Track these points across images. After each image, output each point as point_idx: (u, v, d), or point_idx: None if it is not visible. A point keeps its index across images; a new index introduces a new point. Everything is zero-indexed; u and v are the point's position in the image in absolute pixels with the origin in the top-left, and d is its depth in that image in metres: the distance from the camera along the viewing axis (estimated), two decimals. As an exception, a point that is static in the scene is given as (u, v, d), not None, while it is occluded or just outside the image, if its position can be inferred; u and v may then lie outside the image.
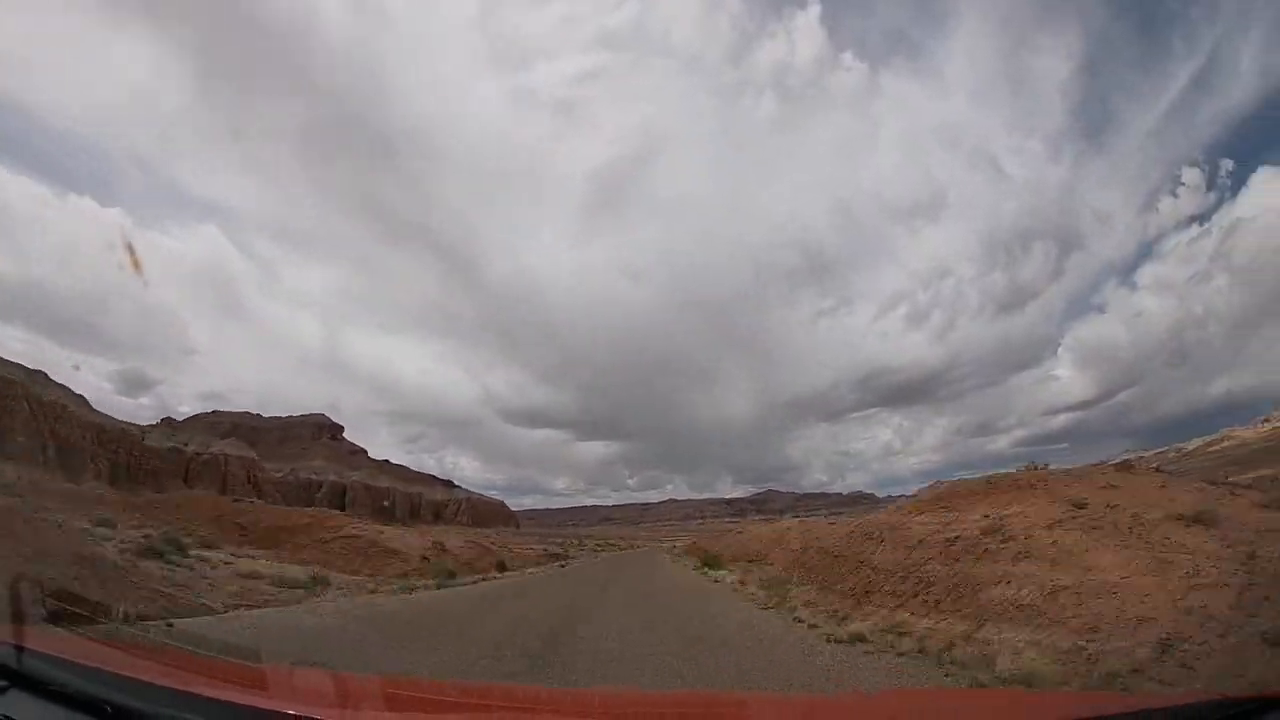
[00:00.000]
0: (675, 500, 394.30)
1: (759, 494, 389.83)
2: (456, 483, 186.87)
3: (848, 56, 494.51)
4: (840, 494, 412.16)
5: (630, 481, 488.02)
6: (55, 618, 3.55)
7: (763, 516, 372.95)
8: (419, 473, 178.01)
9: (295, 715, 1.94)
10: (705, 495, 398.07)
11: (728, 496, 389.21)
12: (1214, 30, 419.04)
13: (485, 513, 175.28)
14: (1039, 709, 2.80)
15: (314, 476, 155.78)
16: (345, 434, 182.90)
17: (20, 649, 2.00)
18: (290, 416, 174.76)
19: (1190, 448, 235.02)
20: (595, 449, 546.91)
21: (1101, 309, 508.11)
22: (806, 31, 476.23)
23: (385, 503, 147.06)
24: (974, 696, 4.17)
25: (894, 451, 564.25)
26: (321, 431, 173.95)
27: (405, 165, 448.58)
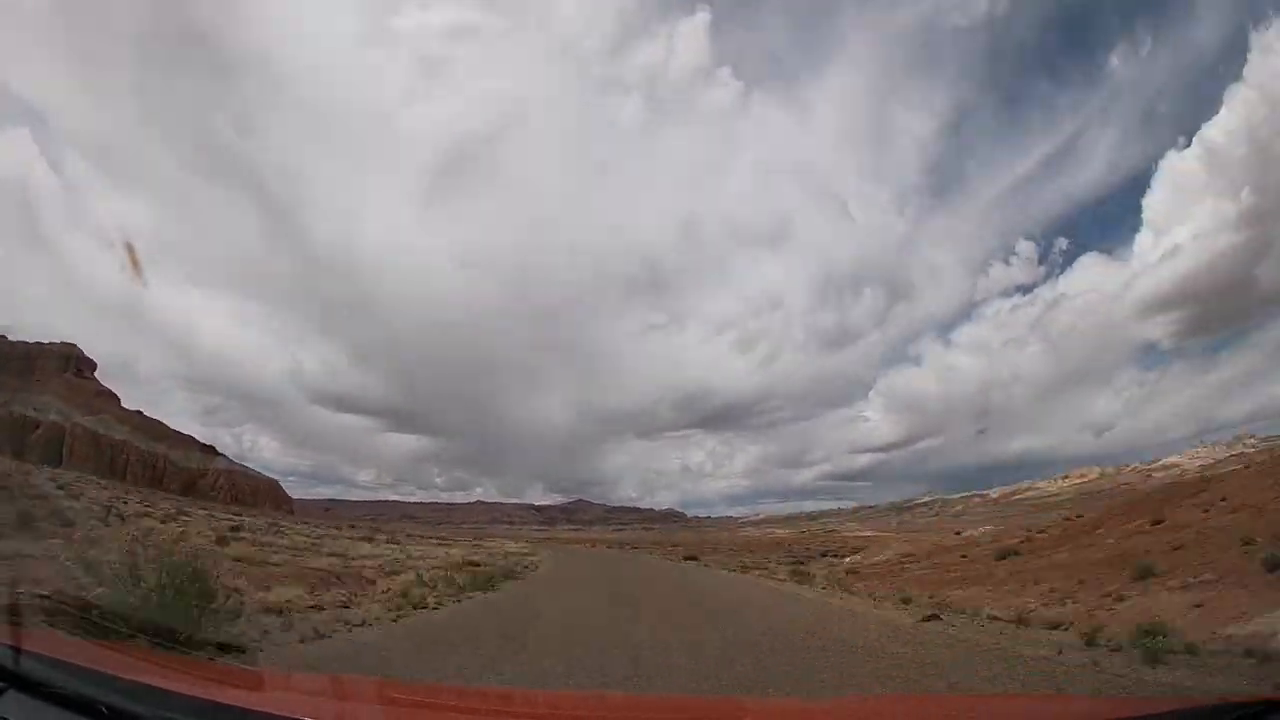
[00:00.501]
0: (484, 503, 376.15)
1: (570, 503, 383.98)
2: (221, 451, 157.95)
3: (724, 72, 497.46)
4: (653, 509, 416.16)
5: (438, 480, 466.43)
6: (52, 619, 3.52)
7: (573, 526, 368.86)
8: (178, 432, 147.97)
9: (291, 717, 1.98)
10: (514, 500, 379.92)
11: (538, 503, 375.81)
12: (1075, 118, 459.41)
13: (250, 490, 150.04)
14: (1038, 712, 2.89)
15: (31, 414, 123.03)
16: (104, 379, 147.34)
17: (17, 650, 2.01)
18: (35, 343, 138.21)
19: (994, 494, 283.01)
20: (406, 442, 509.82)
21: (917, 361, 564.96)
22: (690, 37, 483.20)
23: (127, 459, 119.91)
24: (973, 700, 4.30)
25: (705, 474, 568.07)
26: (67, 364, 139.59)
27: (241, 90, 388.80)
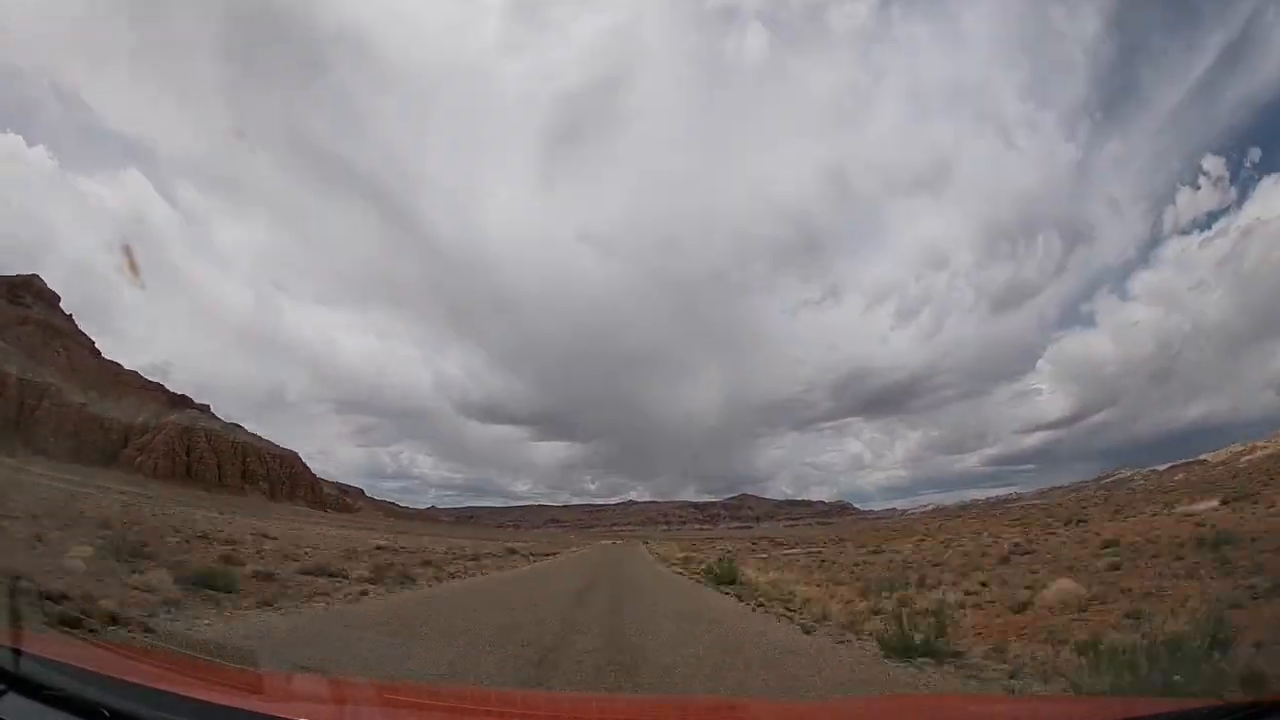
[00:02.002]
0: (635, 503, 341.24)
1: (733, 499, 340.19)
2: (204, 407, 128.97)
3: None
4: (823, 502, 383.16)
5: (591, 486, 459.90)
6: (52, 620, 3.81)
7: (738, 524, 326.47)
8: (147, 381, 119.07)
9: (290, 719, 2.03)
10: (670, 499, 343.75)
11: (697, 500, 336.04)
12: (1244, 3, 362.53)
13: (244, 461, 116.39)
14: (1039, 713, 2.97)
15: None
16: (68, 311, 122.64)
17: (17, 652, 2.06)
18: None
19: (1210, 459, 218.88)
20: (555, 450, 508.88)
21: (1090, 320, 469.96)
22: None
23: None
24: (972, 701, 4.44)
25: (862, 465, 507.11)
26: (14, 291, 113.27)
27: (335, 83, 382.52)
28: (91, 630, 4.85)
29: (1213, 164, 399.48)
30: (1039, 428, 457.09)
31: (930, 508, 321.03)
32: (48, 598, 4.85)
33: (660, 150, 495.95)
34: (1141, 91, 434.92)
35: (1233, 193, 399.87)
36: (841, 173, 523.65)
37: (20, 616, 2.56)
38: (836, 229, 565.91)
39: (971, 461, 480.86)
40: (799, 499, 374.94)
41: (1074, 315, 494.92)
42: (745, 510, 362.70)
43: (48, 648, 2.33)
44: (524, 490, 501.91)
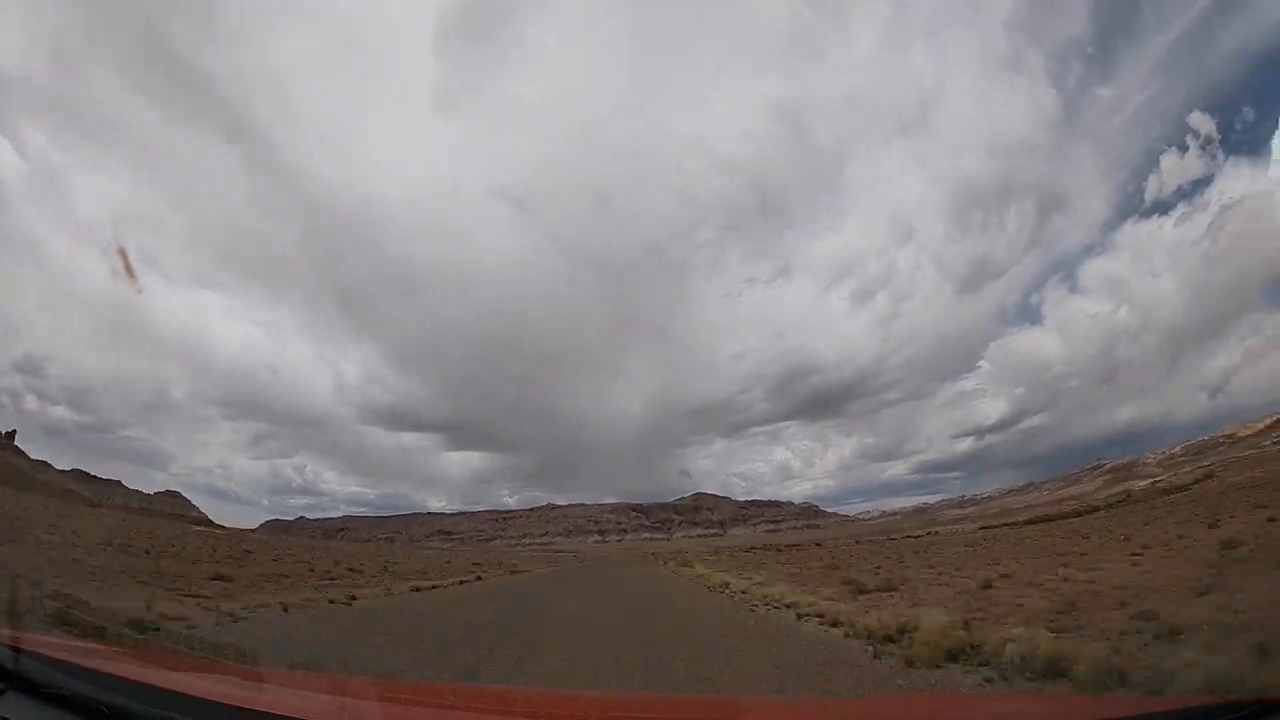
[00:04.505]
0: (556, 506, 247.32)
1: (685, 500, 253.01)
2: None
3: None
4: (793, 503, 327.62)
5: (510, 500, 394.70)
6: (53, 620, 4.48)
7: (702, 530, 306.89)
8: None
9: (291, 717, 2.13)
10: (606, 501, 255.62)
11: (640, 503, 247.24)
12: None
13: None
14: (1039, 712, 3.04)
15: None
16: None
17: (18, 651, 2.15)
18: None
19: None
20: (468, 461, 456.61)
21: (1035, 317, 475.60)
22: None
23: None
24: (974, 702, 4.66)
25: (790, 475, 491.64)
26: None
27: None
28: (91, 629, 5.17)
29: (1203, 123, 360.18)
30: (973, 433, 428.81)
31: (881, 513, 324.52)
32: (46, 597, 5.26)
33: (586, 84, 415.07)
34: (1137, 28, 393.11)
35: (1220, 158, 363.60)
36: (800, 115, 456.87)
37: (20, 615, 2.65)
38: (793, 188, 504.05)
39: (900, 469, 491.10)
40: (767, 499, 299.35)
41: (1024, 307, 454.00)
42: (705, 513, 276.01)
43: (48, 646, 2.38)
44: (439, 507, 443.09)
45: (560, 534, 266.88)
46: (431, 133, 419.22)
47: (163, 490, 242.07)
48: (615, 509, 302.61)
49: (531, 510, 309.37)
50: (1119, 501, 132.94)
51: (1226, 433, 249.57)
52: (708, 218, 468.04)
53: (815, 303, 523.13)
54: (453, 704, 3.13)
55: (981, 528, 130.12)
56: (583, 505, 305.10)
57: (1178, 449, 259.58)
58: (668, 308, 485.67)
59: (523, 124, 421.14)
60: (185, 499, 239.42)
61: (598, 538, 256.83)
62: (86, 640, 3.44)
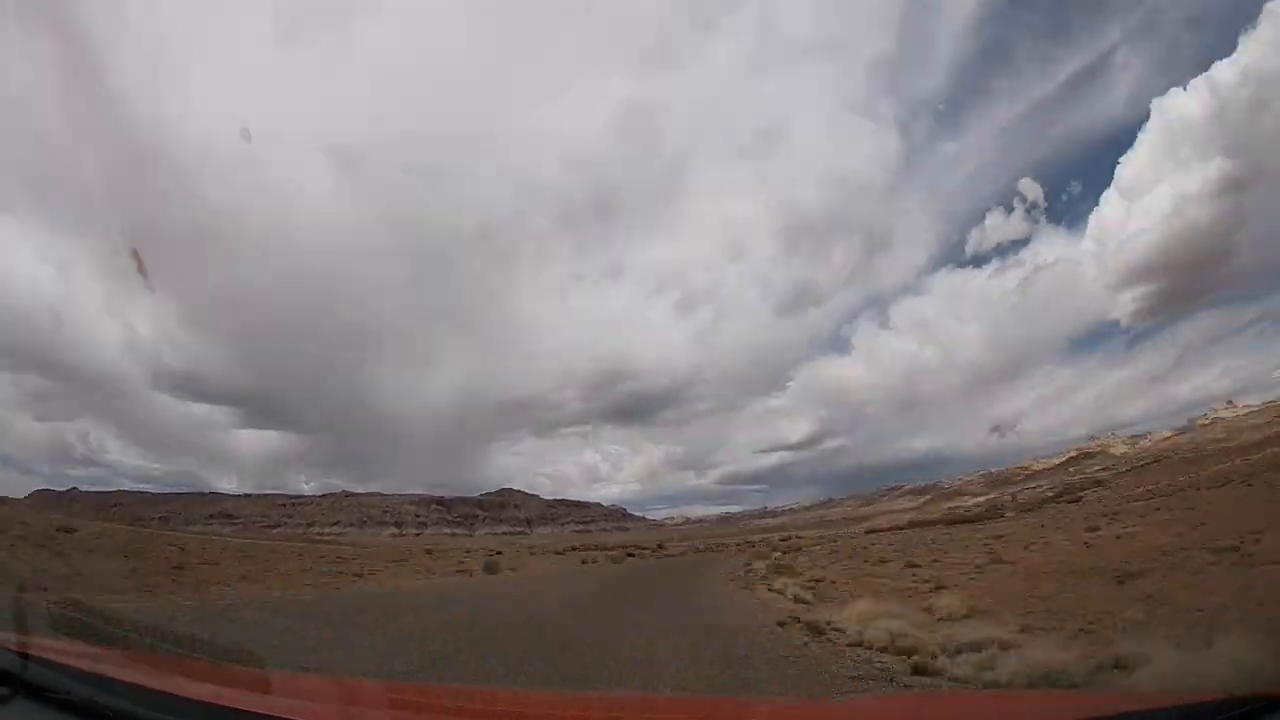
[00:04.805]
0: (353, 494, 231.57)
1: (492, 495, 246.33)
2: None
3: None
4: (601, 505, 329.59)
5: (307, 487, 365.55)
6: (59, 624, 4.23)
7: (508, 527, 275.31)
8: None
9: None
10: (406, 492, 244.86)
11: (443, 496, 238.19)
12: (1110, 30, 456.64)
13: None
14: (1040, 709, 3.09)
15: None
16: None
17: (25, 656, 2.16)
18: None
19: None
20: (265, 441, 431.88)
21: (844, 346, 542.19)
22: None
23: None
24: (976, 699, 4.66)
25: (599, 478, 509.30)
26: None
27: None
28: (98, 634, 4.92)
29: (1031, 190, 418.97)
30: (778, 448, 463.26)
31: (690, 518, 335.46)
32: (54, 602, 5.02)
33: (439, 48, 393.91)
34: (988, 96, 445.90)
35: (1041, 223, 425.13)
36: (650, 121, 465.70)
37: (26, 621, 2.70)
38: (633, 191, 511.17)
39: (705, 479, 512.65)
40: (576, 499, 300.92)
41: (835, 337, 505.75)
42: (511, 511, 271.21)
43: (54, 651, 2.40)
44: (230, 489, 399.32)
45: (353, 524, 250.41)
46: (268, 67, 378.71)
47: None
48: (416, 501, 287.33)
49: (325, 497, 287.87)
50: (987, 514, 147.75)
51: (1022, 465, 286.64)
52: (544, 209, 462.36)
53: (639, 308, 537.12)
54: (457, 705, 3.14)
55: (870, 530, 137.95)
56: (380, 495, 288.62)
57: (974, 476, 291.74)
58: (491, 295, 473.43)
59: (365, 75, 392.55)
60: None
61: (394, 530, 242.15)
62: (93, 645, 3.36)
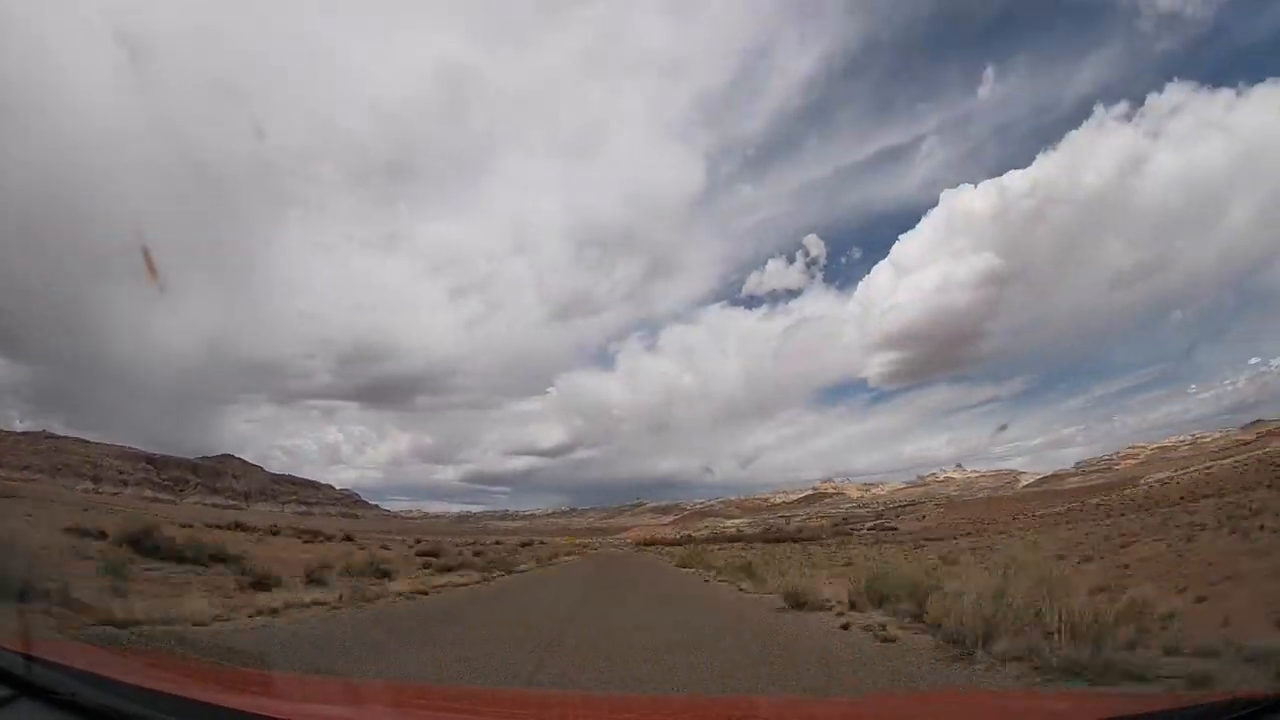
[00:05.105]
0: (53, 436, 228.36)
1: (210, 459, 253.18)
2: None
3: None
4: (331, 487, 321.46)
5: (20, 424, 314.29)
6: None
7: (221, 499, 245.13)
8: None
9: None
10: (111, 442, 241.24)
11: (152, 453, 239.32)
12: (927, 119, 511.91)
13: None
14: (1043, 711, 3.12)
15: None
16: None
17: (29, 658, 2.19)
18: None
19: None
20: None
21: (609, 360, 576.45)
22: None
23: None
24: (983, 697, 4.79)
25: (339, 459, 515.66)
26: None
27: None
28: (103, 636, 5.22)
29: (815, 246, 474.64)
30: (528, 452, 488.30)
31: (429, 512, 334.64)
32: (61, 603, 5.27)
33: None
34: (798, 151, 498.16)
35: (817, 279, 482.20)
36: (467, 90, 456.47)
37: (31, 622, 2.94)
38: (430, 160, 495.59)
39: (450, 474, 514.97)
40: (305, 478, 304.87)
41: (603, 352, 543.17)
42: (229, 481, 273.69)
43: (58, 653, 2.44)
44: None
45: (44, 470, 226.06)
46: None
47: None
48: (124, 455, 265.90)
49: (21, 435, 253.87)
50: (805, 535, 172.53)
51: (762, 497, 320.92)
52: (333, 156, 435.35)
53: (410, 285, 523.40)
54: (463, 707, 3.20)
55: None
56: (84, 442, 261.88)
57: (718, 502, 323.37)
58: (253, 238, 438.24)
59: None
60: None
61: (89, 485, 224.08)
62: (97, 647, 3.71)
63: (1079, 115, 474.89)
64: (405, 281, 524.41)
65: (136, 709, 2.01)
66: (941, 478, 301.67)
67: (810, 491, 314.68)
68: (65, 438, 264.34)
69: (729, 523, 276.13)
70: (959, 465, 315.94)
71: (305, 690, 3.09)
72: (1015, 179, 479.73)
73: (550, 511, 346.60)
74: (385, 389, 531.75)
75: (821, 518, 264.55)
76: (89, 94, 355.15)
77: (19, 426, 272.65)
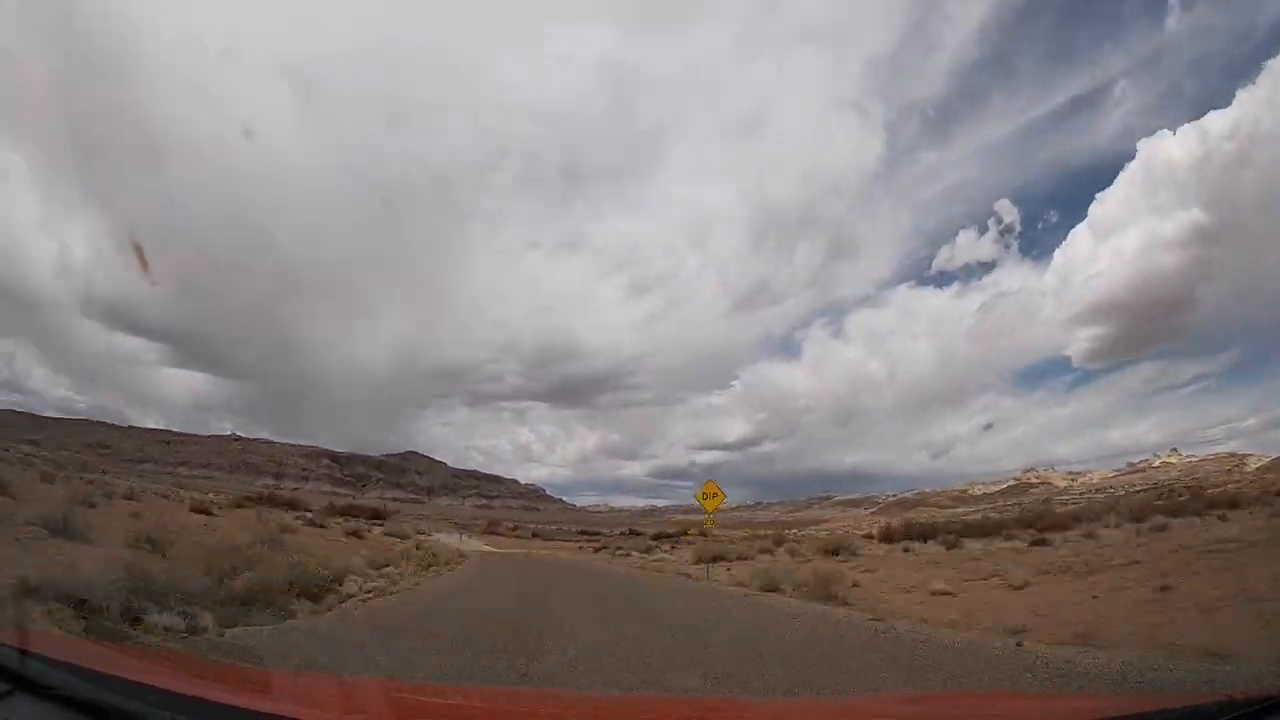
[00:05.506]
0: (240, 438, 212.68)
1: (394, 457, 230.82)
2: None
3: None
4: (518, 482, 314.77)
5: (230, 433, 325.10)
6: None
7: (405, 494, 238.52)
8: None
9: (297, 718, 2.17)
10: (298, 442, 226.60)
11: (337, 450, 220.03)
12: (1114, 61, 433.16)
13: None
14: (1042, 709, 3.13)
15: None
16: None
17: (24, 652, 2.15)
18: None
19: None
20: (190, 382, 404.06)
21: (795, 350, 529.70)
22: None
23: None
24: (980, 699, 4.73)
25: (530, 458, 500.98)
26: None
27: None
28: (98, 630, 5.42)
29: (1007, 212, 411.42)
30: (714, 447, 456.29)
31: (611, 507, 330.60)
32: (56, 598, 5.32)
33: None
34: (981, 108, 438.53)
35: (1012, 249, 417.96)
36: (630, 86, 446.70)
37: (26, 617, 2.88)
38: (601, 159, 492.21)
39: (636, 470, 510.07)
40: (488, 473, 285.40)
41: (787, 341, 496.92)
42: (412, 476, 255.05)
43: (54, 648, 2.40)
44: (154, 428, 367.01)
45: (224, 469, 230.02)
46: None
47: None
48: (308, 454, 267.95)
49: (210, 438, 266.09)
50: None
51: (960, 489, 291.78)
52: (507, 164, 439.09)
53: (592, 285, 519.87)
54: (460, 704, 3.19)
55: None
56: (269, 442, 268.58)
57: (912, 494, 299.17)
58: (440, 253, 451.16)
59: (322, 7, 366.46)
60: None
61: (271, 481, 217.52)
62: (93, 642, 3.53)
63: (1276, 40, 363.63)
64: (586, 282, 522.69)
65: (132, 704, 1.99)
66: (1157, 463, 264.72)
67: (1012, 482, 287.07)
68: (253, 439, 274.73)
69: (944, 513, 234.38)
70: (1174, 449, 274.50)
71: (301, 687, 3.08)
72: (1215, 121, 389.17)
73: (735, 505, 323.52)
74: (572, 388, 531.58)
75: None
76: (271, 135, 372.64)
77: (231, 435, 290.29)
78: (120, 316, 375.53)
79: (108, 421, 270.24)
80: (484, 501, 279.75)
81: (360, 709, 2.52)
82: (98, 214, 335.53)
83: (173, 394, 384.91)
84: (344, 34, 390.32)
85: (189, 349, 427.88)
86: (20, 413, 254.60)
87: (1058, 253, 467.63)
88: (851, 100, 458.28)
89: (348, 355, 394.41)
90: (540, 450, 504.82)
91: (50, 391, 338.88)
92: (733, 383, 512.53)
